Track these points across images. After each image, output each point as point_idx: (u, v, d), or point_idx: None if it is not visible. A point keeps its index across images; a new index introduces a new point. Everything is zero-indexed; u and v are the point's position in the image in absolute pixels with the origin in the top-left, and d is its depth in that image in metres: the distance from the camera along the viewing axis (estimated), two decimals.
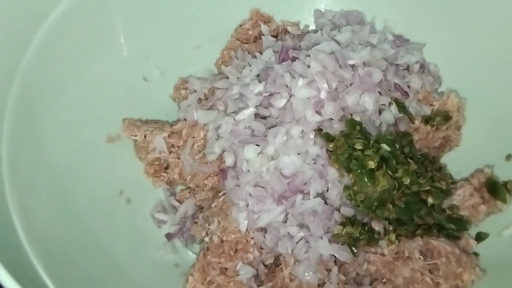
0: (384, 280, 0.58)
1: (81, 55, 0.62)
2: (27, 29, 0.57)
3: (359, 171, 0.58)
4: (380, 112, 0.62)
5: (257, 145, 0.60)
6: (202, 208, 0.65)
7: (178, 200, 0.67)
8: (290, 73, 0.61)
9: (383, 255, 0.58)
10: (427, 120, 0.66)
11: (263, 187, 0.59)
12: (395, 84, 0.65)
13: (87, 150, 0.62)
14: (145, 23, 0.67)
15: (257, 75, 0.65)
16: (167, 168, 0.67)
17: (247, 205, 0.59)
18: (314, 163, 0.59)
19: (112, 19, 0.64)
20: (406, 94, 0.65)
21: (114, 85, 0.65)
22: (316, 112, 0.59)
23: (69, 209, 0.58)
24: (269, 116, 0.62)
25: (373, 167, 0.58)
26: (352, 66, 0.61)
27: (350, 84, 0.61)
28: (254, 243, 0.60)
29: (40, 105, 0.58)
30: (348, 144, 0.59)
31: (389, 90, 0.64)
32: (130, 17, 0.63)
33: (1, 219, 0.50)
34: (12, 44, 0.55)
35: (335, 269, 0.59)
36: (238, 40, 0.72)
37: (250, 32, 0.72)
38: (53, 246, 0.53)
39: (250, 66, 0.66)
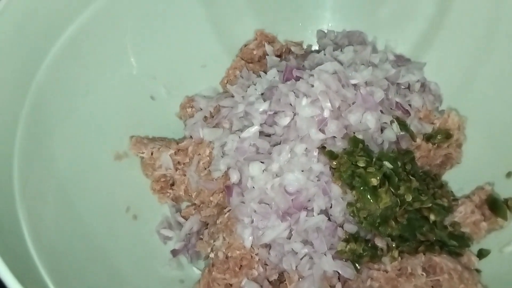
0: None
1: (92, 74, 0.63)
2: (39, 48, 0.58)
3: (362, 188, 0.59)
4: (382, 130, 0.64)
5: (261, 162, 0.61)
6: (207, 224, 0.66)
7: (183, 217, 0.68)
8: (294, 92, 0.62)
9: (386, 271, 0.59)
10: (428, 138, 0.67)
11: (268, 204, 0.60)
12: (397, 102, 0.66)
13: (96, 166, 0.64)
14: (153, 43, 0.68)
15: (262, 94, 0.66)
16: (173, 184, 0.68)
17: (252, 222, 0.60)
18: (317, 180, 0.60)
19: (122, 40, 0.65)
20: (407, 112, 0.66)
21: (123, 103, 0.67)
22: (320, 130, 0.60)
23: (77, 224, 0.59)
24: (273, 134, 0.63)
25: (375, 184, 0.59)
26: (355, 85, 0.63)
27: (353, 103, 0.62)
28: (259, 259, 0.60)
29: (51, 122, 0.59)
30: (351, 162, 0.60)
31: (391, 108, 0.65)
32: (139, 38, 0.65)
33: (11, 230, 0.51)
34: (25, 63, 0.57)
35: (338, 286, 0.59)
36: (243, 59, 0.73)
37: (254, 52, 0.74)
38: (61, 258, 0.54)
39: (255, 85, 0.67)
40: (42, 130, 0.58)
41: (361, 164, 0.59)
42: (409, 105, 0.67)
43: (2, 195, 0.52)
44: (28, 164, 0.55)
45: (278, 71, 0.67)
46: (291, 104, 0.62)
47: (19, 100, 0.56)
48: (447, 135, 0.68)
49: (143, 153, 0.67)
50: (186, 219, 0.67)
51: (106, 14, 0.62)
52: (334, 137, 0.61)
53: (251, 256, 0.60)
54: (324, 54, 0.67)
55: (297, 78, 0.64)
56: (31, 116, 0.56)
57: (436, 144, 0.67)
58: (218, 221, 0.63)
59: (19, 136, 0.55)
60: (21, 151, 0.55)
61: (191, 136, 0.67)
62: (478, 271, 0.61)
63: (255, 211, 0.60)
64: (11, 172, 0.53)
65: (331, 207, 0.60)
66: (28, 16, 0.56)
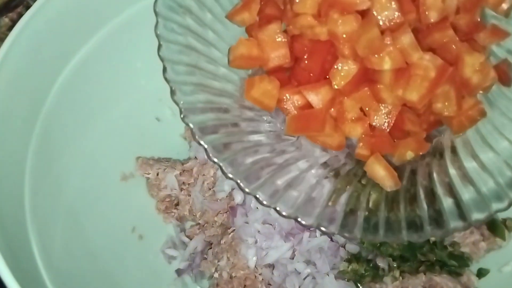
0: None
1: (100, 98, 0.65)
2: (50, 72, 0.60)
3: None
4: None
5: None
6: (211, 244, 0.67)
7: (188, 236, 0.69)
8: None
9: None
10: None
11: (271, 224, 0.61)
12: None
13: (103, 188, 0.65)
14: (159, 67, 0.70)
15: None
16: (177, 204, 0.69)
17: (256, 242, 0.61)
18: None
19: (129, 65, 0.67)
20: None
21: (129, 125, 0.68)
22: (323, 150, 0.62)
23: (84, 244, 0.60)
24: None
25: None
26: None
27: None
28: (262, 279, 0.61)
29: (60, 145, 0.61)
30: None
31: None
32: (146, 62, 0.67)
33: (23, 251, 0.52)
34: (35, 88, 0.58)
35: None
36: None
37: None
38: (69, 277, 0.56)
39: None
40: (51, 154, 0.59)
41: None
42: None
43: (14, 218, 0.53)
44: (38, 187, 0.56)
45: None
46: None
47: (30, 125, 0.57)
48: None
49: (149, 173, 0.68)
50: (191, 239, 0.68)
51: (113, 41, 0.64)
52: (337, 156, 0.62)
53: (255, 276, 0.61)
54: None
55: None
56: (41, 140, 0.58)
57: None
58: (222, 241, 0.64)
59: (29, 160, 0.56)
60: (31, 174, 0.56)
61: (195, 157, 0.69)
62: None
63: (258, 231, 0.61)
64: (22, 195, 0.55)
65: None
66: (39, 41, 0.58)
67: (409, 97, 0.48)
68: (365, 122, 0.51)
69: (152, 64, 0.66)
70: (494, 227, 0.64)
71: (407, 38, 0.47)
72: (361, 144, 0.52)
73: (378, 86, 0.50)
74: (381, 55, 0.47)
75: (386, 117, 0.50)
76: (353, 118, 0.51)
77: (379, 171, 0.50)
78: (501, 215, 0.66)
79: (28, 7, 0.60)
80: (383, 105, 0.50)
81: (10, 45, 0.55)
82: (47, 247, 0.55)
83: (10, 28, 0.62)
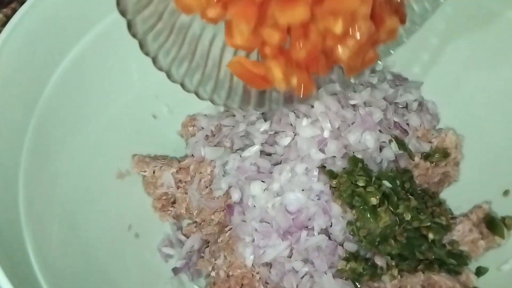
0: None
1: (95, 95, 0.64)
2: (44, 70, 0.59)
3: (361, 207, 0.60)
4: (380, 150, 0.65)
5: (262, 181, 0.62)
6: (208, 242, 0.67)
7: (184, 235, 0.68)
8: (295, 113, 0.63)
9: None
10: (426, 156, 0.68)
11: (269, 223, 0.61)
12: (395, 122, 0.67)
13: (99, 186, 0.64)
14: None
15: (263, 114, 0.67)
16: (174, 202, 0.69)
17: (253, 240, 0.61)
18: (318, 199, 0.61)
19: (125, 61, 0.66)
20: (405, 132, 0.67)
21: (126, 123, 0.68)
22: (320, 150, 0.61)
23: (80, 244, 0.60)
24: (274, 153, 0.64)
25: (375, 203, 0.60)
26: (354, 105, 0.64)
27: (352, 123, 0.63)
28: (260, 278, 0.61)
29: (55, 144, 0.60)
30: (351, 181, 0.61)
31: (389, 128, 0.66)
32: (142, 58, 0.66)
33: (17, 252, 0.52)
34: (29, 86, 0.58)
35: None
36: None
37: None
38: (65, 278, 0.55)
39: None
40: (46, 152, 0.59)
41: (361, 183, 0.60)
42: (407, 124, 0.68)
43: (8, 216, 0.52)
44: (33, 186, 0.56)
45: None
46: (291, 124, 0.63)
47: (24, 123, 0.57)
48: (445, 154, 0.69)
49: (145, 171, 0.67)
50: (187, 237, 0.68)
51: (109, 37, 0.63)
52: (334, 156, 0.62)
53: (252, 275, 0.61)
54: None
55: None
56: (36, 138, 0.57)
57: (434, 163, 0.68)
58: (219, 240, 0.64)
59: (23, 159, 0.56)
60: (25, 173, 0.55)
61: (192, 155, 0.68)
62: None
63: (256, 230, 0.61)
64: (16, 193, 0.54)
65: (331, 226, 0.61)
66: (33, 37, 0.57)
67: (339, 54, 0.49)
68: (285, 37, 0.49)
69: (148, 61, 0.65)
70: (493, 225, 0.64)
71: (366, 9, 0.47)
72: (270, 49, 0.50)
73: (313, 25, 0.48)
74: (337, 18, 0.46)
75: (304, 53, 0.49)
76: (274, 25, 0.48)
77: (277, 73, 0.52)
78: (500, 213, 0.65)
79: (22, 2, 0.59)
80: (307, 40, 0.49)
81: (4, 40, 0.54)
82: (42, 246, 0.54)
83: (4, 23, 0.61)
